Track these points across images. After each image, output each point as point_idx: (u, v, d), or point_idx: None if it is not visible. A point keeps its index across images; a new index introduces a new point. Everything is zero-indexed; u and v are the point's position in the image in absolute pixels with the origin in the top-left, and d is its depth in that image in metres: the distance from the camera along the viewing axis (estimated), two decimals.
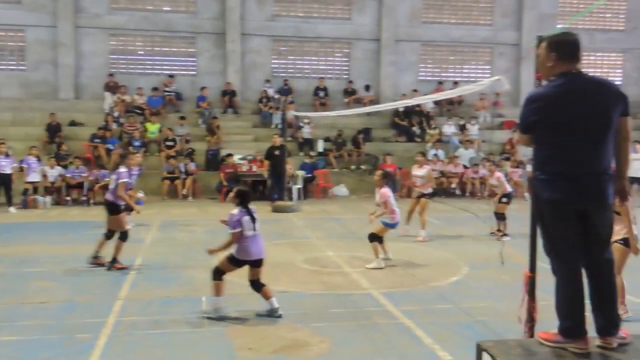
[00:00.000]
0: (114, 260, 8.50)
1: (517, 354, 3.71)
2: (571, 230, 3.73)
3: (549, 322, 4.14)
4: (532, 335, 4.31)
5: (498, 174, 11.53)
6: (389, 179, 9.46)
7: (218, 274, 6.39)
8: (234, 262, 6.36)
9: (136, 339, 5.72)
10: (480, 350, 3.88)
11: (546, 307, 4.56)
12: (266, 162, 16.31)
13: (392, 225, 8.96)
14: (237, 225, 6.20)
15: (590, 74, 3.86)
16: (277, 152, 15.72)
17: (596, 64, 23.93)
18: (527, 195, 14.56)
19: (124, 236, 8.60)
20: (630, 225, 6.32)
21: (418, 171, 11.39)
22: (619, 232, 6.42)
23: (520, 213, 11.29)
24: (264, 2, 21.24)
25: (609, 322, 3.75)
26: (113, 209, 8.59)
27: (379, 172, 9.35)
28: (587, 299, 3.81)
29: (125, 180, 8.55)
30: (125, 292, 7.37)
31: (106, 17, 20.37)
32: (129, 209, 9.10)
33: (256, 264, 6.37)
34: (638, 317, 6.42)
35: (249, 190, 6.78)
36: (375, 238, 8.82)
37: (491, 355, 3.72)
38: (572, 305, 3.75)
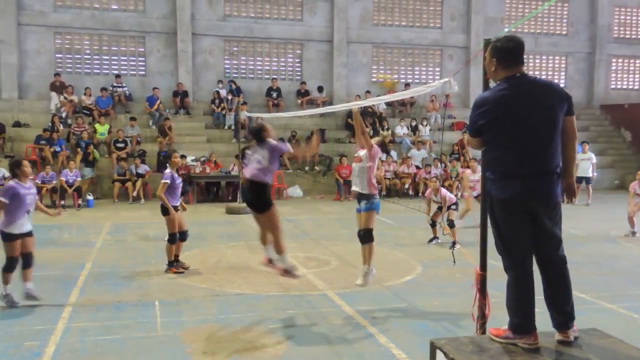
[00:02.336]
0: (170, 263, 8.51)
1: (469, 351, 3.79)
2: (522, 229, 3.83)
3: (500, 318, 4.26)
4: (483, 332, 4.40)
5: (443, 191, 11.34)
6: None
7: None
8: None
9: (87, 346, 5.58)
10: (433, 347, 3.95)
11: (497, 304, 4.68)
12: (239, 162, 16.07)
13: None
14: None
15: (534, 76, 3.98)
16: None
17: (541, 66, 24.70)
18: (466, 193, 14.79)
19: (170, 238, 8.47)
20: None
21: (474, 176, 12.38)
22: None
23: (471, 212, 11.58)
24: (215, 2, 21.03)
25: (565, 317, 3.88)
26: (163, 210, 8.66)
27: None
28: (537, 295, 3.92)
29: (166, 180, 8.46)
30: (75, 297, 7.18)
31: (51, 14, 19.76)
32: None
33: None
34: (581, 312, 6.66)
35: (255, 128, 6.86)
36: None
37: (444, 353, 3.79)
38: (523, 302, 3.85)
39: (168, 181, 8.41)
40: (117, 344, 5.62)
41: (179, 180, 8.66)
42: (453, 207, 10.99)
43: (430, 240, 10.94)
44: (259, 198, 6.51)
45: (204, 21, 20.93)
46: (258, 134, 6.67)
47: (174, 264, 8.41)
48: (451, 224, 10.91)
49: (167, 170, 8.57)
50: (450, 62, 23.26)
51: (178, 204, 8.65)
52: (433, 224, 11.08)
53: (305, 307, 6.84)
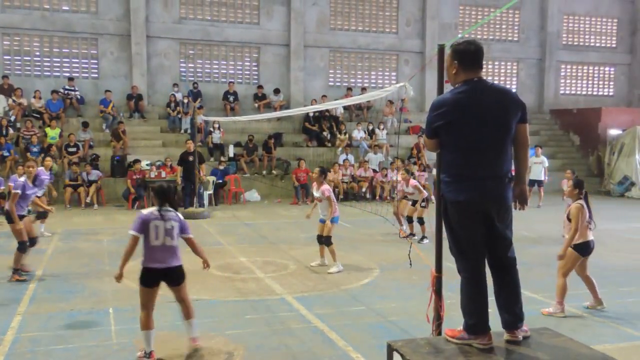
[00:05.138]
0: (15, 270, 8.15)
1: (425, 352, 3.84)
2: (475, 231, 3.91)
3: (456, 319, 4.33)
4: (439, 333, 4.46)
5: (414, 182, 11.45)
6: (326, 175, 9.31)
7: None
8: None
9: (38, 356, 5.41)
10: (390, 349, 3.99)
11: (453, 305, 4.76)
12: (179, 168, 16.06)
13: (337, 220, 8.95)
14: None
15: (492, 82, 4.06)
16: (191, 158, 15.57)
17: (494, 71, 25.27)
18: (433, 197, 14.98)
19: (20, 247, 8.19)
20: (573, 230, 6.45)
21: (407, 188, 11.90)
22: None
23: (427, 215, 11.73)
24: (170, 4, 20.77)
25: (514, 317, 3.97)
26: (7, 218, 8.24)
27: (317, 169, 9.09)
28: (490, 296, 4.00)
29: (16, 190, 8.19)
30: (25, 306, 6.96)
31: None
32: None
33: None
34: (532, 311, 6.83)
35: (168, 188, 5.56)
36: (330, 240, 8.81)
37: (401, 354, 3.83)
38: (476, 303, 3.92)
39: (18, 191, 8.22)
40: (69, 353, 5.48)
41: (30, 190, 8.50)
42: (423, 204, 11.13)
43: (407, 236, 10.84)
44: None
45: (158, 24, 20.63)
46: (170, 197, 5.50)
47: (18, 271, 8.23)
48: (421, 221, 11.10)
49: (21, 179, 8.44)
50: (406, 67, 23.57)
51: (25, 212, 8.49)
52: (409, 220, 11.15)
53: (263, 312, 6.81)
